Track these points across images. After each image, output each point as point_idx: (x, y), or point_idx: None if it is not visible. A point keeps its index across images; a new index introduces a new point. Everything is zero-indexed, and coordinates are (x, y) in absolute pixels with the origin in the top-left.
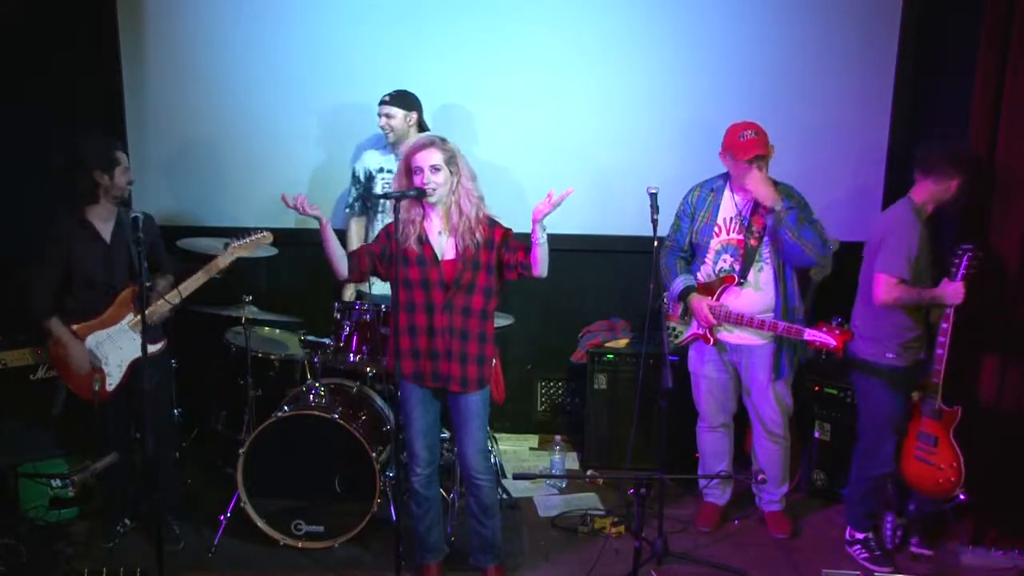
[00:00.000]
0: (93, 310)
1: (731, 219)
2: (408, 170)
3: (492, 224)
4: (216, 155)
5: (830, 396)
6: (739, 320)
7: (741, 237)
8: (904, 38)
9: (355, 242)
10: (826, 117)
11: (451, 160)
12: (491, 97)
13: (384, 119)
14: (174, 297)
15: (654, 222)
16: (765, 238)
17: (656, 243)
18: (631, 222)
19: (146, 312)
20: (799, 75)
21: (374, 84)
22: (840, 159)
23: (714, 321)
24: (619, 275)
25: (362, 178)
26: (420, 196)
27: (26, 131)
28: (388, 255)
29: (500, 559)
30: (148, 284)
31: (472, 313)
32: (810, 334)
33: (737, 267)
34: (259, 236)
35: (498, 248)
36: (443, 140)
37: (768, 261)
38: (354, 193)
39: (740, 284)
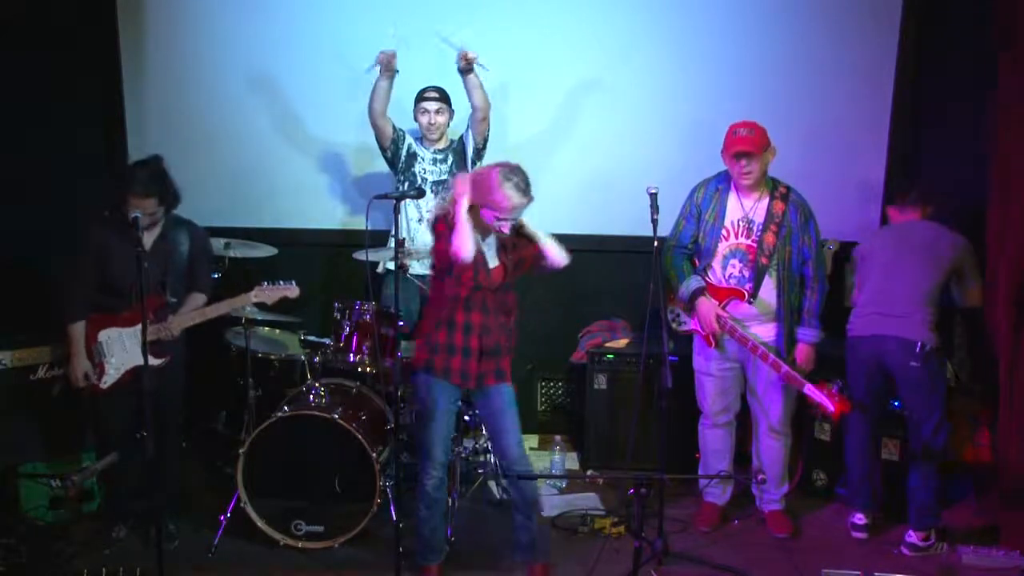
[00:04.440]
0: (119, 310)
1: (738, 222)
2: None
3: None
4: (216, 155)
5: None
6: (743, 341)
7: (750, 243)
8: (904, 38)
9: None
10: (826, 117)
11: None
12: (492, 98)
13: (434, 115)
14: (187, 321)
15: (654, 222)
16: (773, 262)
17: (656, 243)
18: (631, 222)
19: (159, 326)
20: (800, 75)
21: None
22: (840, 159)
23: (718, 330)
24: (619, 275)
25: (405, 151)
26: (419, 196)
27: (26, 131)
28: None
29: (549, 557)
30: (175, 300)
31: (503, 309)
32: (810, 390)
33: (747, 273)
34: (287, 288)
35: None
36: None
37: (774, 269)
38: (394, 138)
39: (750, 302)
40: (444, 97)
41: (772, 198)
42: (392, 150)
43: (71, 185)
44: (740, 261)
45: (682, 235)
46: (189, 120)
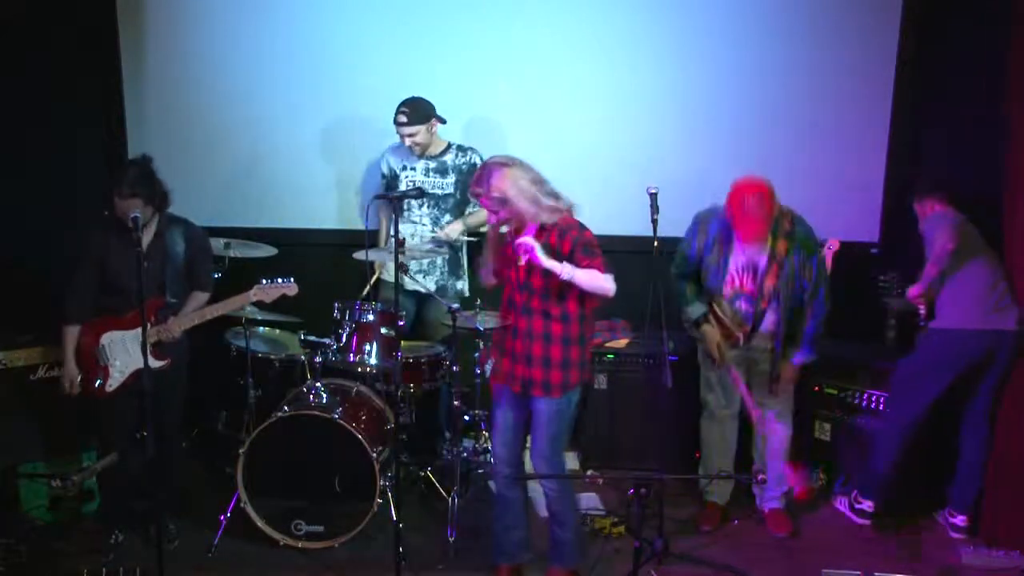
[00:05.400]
0: (121, 312)
1: (742, 268)
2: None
3: (563, 233)
4: (216, 155)
5: (830, 396)
6: (735, 383)
7: (754, 287)
8: (904, 38)
9: (373, 229)
10: (826, 117)
11: (504, 199)
12: (492, 98)
13: (408, 139)
14: (187, 322)
15: (654, 222)
16: (774, 300)
17: (656, 243)
18: (631, 222)
19: (159, 328)
20: (800, 75)
21: (375, 85)
22: (840, 159)
23: (719, 360)
24: (619, 275)
25: (388, 174)
26: (419, 196)
27: (26, 131)
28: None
29: (566, 564)
30: (175, 300)
31: (552, 317)
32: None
33: (751, 311)
34: (286, 286)
35: (567, 258)
36: (486, 181)
37: (775, 305)
38: (382, 186)
39: (747, 341)
40: (415, 117)
41: (776, 238)
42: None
43: (71, 185)
44: (746, 302)
45: (683, 266)
46: (189, 120)
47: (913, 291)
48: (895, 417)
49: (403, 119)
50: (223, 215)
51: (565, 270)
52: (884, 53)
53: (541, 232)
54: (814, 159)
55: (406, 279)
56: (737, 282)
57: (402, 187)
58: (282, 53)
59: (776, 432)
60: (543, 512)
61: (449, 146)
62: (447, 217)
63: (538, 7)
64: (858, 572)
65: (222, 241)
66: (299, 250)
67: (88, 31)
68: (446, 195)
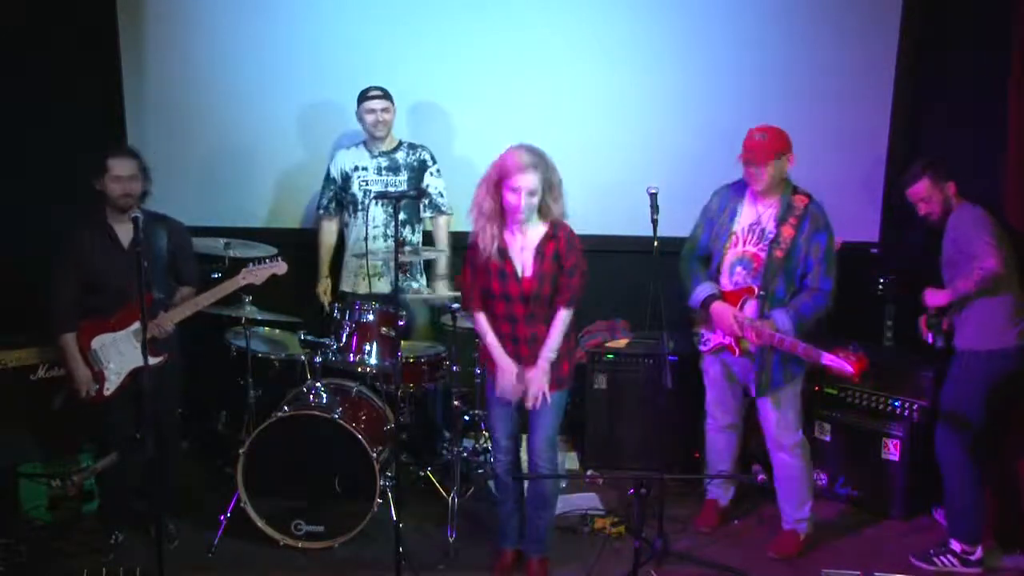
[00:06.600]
0: (106, 312)
1: (747, 229)
2: (498, 183)
3: (570, 242)
4: (216, 155)
5: (830, 396)
6: (761, 336)
7: (756, 251)
8: (904, 38)
9: (326, 242)
10: (826, 117)
11: (547, 182)
12: (492, 98)
13: (380, 114)
14: (179, 314)
15: (654, 222)
16: (779, 276)
17: (656, 243)
18: (631, 222)
19: (151, 323)
20: (800, 75)
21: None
22: (840, 159)
23: (739, 332)
24: (619, 275)
25: (338, 178)
26: (420, 196)
27: (26, 132)
28: (476, 266)
29: (546, 553)
30: (161, 296)
31: (544, 318)
32: (827, 358)
33: (751, 281)
34: (274, 266)
35: (561, 269)
36: (542, 159)
37: (781, 279)
38: (328, 194)
39: (760, 297)
40: (388, 95)
41: (788, 203)
42: (341, 195)
43: (71, 185)
44: (744, 269)
45: (700, 239)
46: (189, 120)
47: (936, 300)
48: (956, 449)
49: (378, 93)
50: (223, 215)
51: (551, 357)
52: (884, 53)
53: (550, 238)
54: (814, 159)
55: (364, 284)
56: (741, 243)
57: (354, 188)
58: (282, 54)
59: (778, 464)
60: None
61: (400, 144)
62: (402, 216)
63: (538, 7)
64: (858, 572)
65: (222, 241)
66: (299, 250)
67: (88, 31)
68: (392, 191)
